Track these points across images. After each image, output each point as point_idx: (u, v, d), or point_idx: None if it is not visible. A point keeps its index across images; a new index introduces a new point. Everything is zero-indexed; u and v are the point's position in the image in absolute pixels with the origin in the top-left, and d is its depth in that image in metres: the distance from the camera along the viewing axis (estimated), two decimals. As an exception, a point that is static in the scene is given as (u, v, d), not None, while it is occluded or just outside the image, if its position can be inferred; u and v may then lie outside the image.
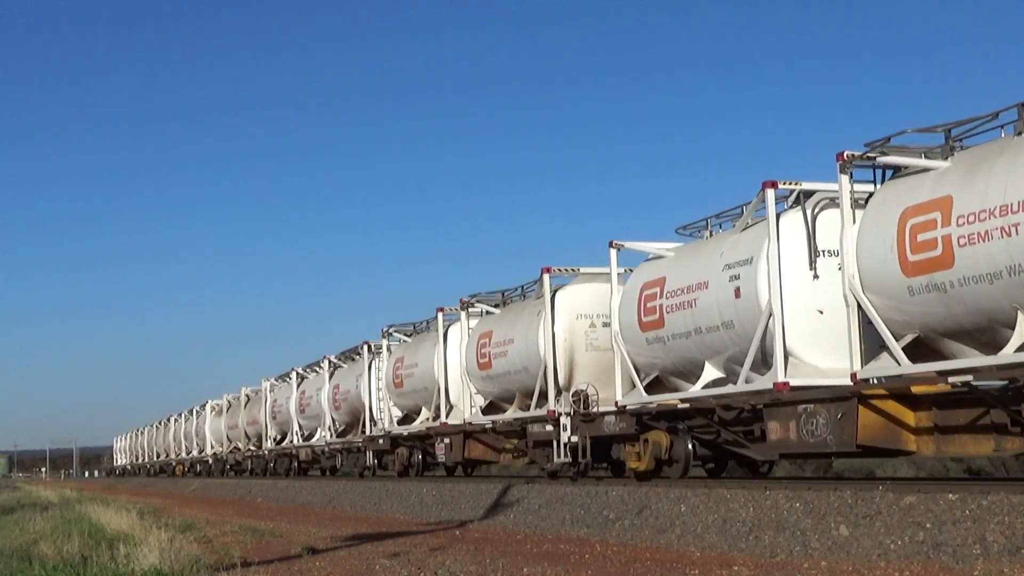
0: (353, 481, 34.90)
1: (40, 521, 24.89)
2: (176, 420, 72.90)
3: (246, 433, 53.45)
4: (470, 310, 28.06)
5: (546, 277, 23.56)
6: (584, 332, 23.11)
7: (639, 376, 20.28)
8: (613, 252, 21.31)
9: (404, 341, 33.10)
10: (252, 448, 52.55)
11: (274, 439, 47.95)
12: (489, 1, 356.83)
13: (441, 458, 29.50)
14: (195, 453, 65.79)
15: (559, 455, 22.74)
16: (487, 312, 27.25)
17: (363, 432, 35.52)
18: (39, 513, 28.77)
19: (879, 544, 12.92)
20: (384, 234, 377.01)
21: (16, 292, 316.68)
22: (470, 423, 27.26)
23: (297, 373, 44.94)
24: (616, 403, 20.87)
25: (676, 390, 19.72)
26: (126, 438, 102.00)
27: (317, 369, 42.60)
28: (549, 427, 23.13)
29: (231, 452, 56.84)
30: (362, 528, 21.53)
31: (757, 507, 15.39)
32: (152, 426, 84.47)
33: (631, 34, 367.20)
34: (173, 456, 72.71)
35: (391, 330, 33.96)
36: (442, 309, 29.35)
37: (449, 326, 29.17)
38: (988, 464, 26.71)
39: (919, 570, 11.85)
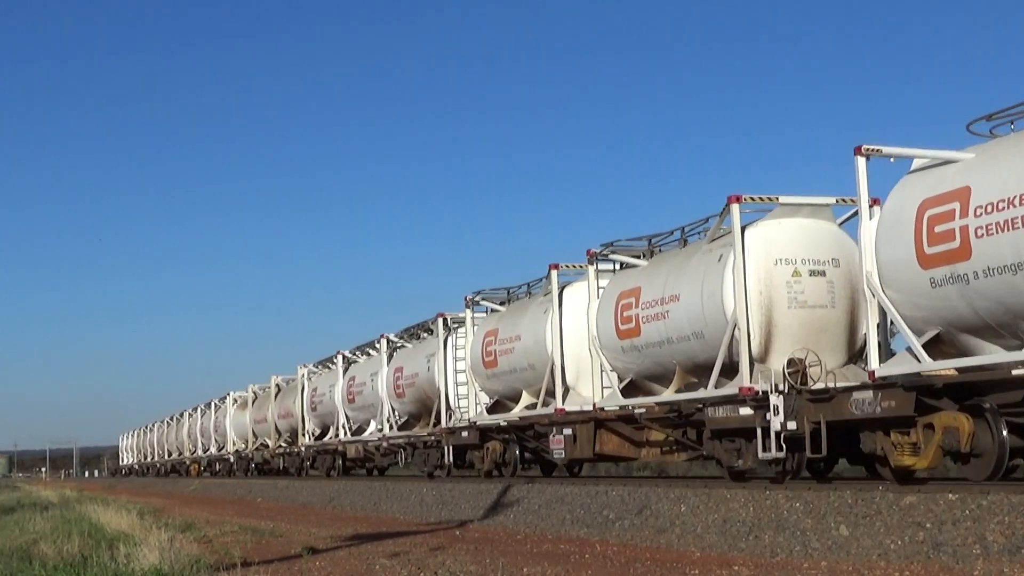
0: (353, 481, 34.88)
1: (40, 521, 24.91)
2: (191, 415, 67.00)
3: (277, 428, 47.62)
4: (599, 266, 22.25)
5: (735, 208, 17.60)
6: (786, 283, 17.43)
7: (914, 334, 14.73)
8: (861, 161, 15.43)
9: (495, 311, 27.04)
10: (284, 444, 46.63)
11: (312, 434, 42.26)
12: (490, 1, 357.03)
13: (558, 454, 23.12)
14: (213, 451, 59.89)
15: (766, 448, 16.82)
16: (626, 266, 21.46)
17: (436, 424, 29.70)
18: (39, 513, 28.79)
19: (879, 544, 12.92)
20: (385, 233, 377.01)
21: (16, 292, 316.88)
22: (602, 409, 21.31)
23: (344, 356, 38.89)
24: (872, 374, 15.30)
25: (967, 353, 14.37)
26: (133, 436, 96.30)
27: (371, 351, 36.59)
28: (746, 410, 17.32)
29: (257, 449, 51.04)
30: (362, 528, 21.54)
31: (757, 507, 15.38)
32: (163, 422, 78.66)
33: (631, 34, 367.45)
34: (187, 454, 67.18)
35: (477, 298, 27.61)
36: (556, 266, 23.35)
37: (565, 287, 23.44)
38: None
39: (919, 570, 11.85)
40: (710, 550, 15.03)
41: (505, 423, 25.74)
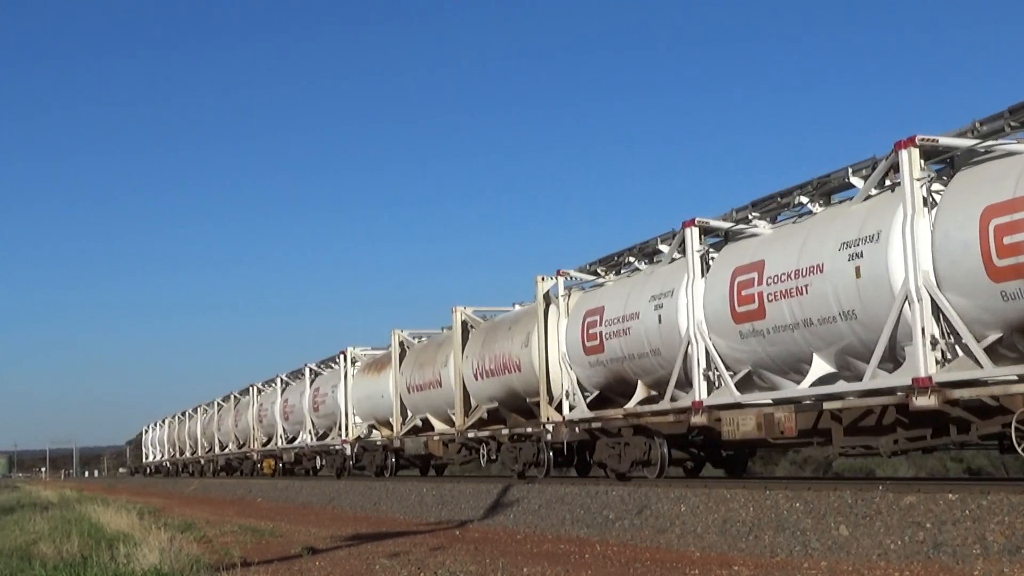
0: (353, 481, 34.81)
1: (40, 521, 24.94)
2: (262, 390, 49.70)
3: (469, 396, 27.55)
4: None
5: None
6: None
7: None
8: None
9: None
10: (481, 419, 27.18)
11: (577, 399, 22.08)
12: (490, 1, 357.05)
13: None
14: (308, 439, 41.57)
15: None
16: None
17: None
18: (39, 513, 28.83)
19: (879, 544, 12.93)
20: (383, 234, 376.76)
21: (17, 292, 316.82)
22: None
23: (703, 228, 18.47)
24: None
25: None
26: (163, 427, 79.11)
27: (758, 220, 17.39)
28: None
29: (409, 435, 31.89)
30: (362, 528, 21.55)
31: (757, 507, 15.38)
32: (212, 404, 60.98)
33: (632, 34, 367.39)
34: (256, 446, 49.19)
35: None
36: None
37: None
38: (988, 464, 26.71)
39: (919, 570, 11.85)
40: (710, 550, 15.03)
41: None
